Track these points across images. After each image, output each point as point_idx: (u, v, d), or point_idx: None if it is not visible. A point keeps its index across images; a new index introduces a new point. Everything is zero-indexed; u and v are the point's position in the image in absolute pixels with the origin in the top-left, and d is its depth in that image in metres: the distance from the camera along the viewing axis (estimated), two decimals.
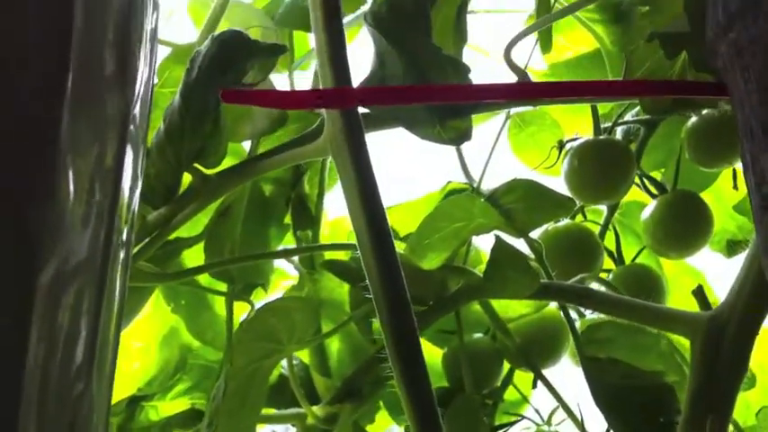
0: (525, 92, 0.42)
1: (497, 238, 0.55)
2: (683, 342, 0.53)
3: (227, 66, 0.47)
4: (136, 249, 0.51)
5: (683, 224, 0.61)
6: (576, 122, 0.64)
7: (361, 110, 0.51)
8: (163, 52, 0.57)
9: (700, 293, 0.51)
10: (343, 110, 0.42)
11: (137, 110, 0.30)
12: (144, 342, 0.64)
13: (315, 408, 0.59)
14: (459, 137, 0.50)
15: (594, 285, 0.60)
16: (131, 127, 0.29)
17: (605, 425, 0.56)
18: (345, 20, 0.54)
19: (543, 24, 0.50)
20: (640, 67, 0.45)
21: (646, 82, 0.43)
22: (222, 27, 0.60)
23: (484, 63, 0.71)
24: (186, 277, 0.55)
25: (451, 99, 0.43)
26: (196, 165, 0.50)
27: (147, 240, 0.51)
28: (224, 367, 0.53)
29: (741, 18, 0.36)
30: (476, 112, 0.50)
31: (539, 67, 0.71)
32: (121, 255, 0.30)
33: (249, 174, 0.51)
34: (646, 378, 0.54)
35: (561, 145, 0.60)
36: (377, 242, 0.44)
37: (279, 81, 0.63)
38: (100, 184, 0.28)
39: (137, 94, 0.30)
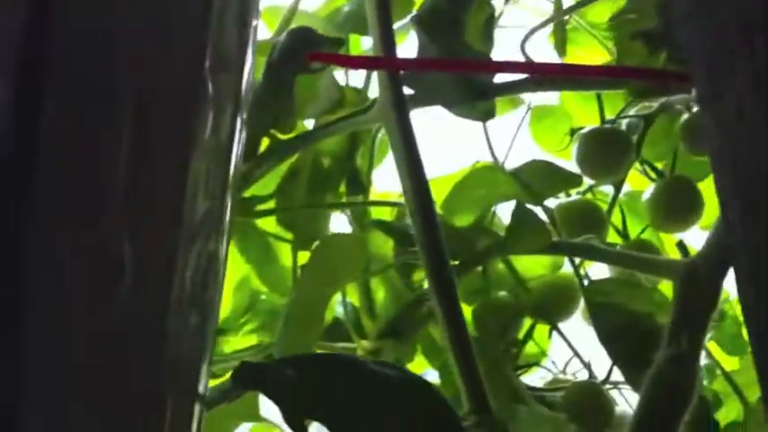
0: (533, 68, 0.54)
1: (517, 202, 0.67)
2: None
3: (299, 52, 0.60)
4: None
5: (676, 203, 0.72)
6: (586, 117, 0.76)
7: (407, 91, 0.64)
8: None
9: (681, 245, 0.63)
10: (391, 76, 0.55)
11: (245, 89, 0.39)
12: None
13: (363, 342, 0.71)
14: (485, 114, 0.63)
15: None
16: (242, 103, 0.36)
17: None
18: (397, 24, 0.67)
19: (548, 23, 0.62)
20: (630, 62, 0.57)
21: (625, 68, 0.55)
22: None
23: None
24: (262, 217, 0.67)
25: (475, 69, 0.55)
26: (273, 131, 0.63)
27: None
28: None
29: (696, 11, 0.47)
30: (498, 95, 0.63)
31: None
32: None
33: (314, 138, 0.64)
34: (640, 317, 0.65)
35: (573, 132, 0.72)
36: (419, 190, 0.57)
37: (337, 75, 0.76)
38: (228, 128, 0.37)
39: (247, 74, 0.38)
